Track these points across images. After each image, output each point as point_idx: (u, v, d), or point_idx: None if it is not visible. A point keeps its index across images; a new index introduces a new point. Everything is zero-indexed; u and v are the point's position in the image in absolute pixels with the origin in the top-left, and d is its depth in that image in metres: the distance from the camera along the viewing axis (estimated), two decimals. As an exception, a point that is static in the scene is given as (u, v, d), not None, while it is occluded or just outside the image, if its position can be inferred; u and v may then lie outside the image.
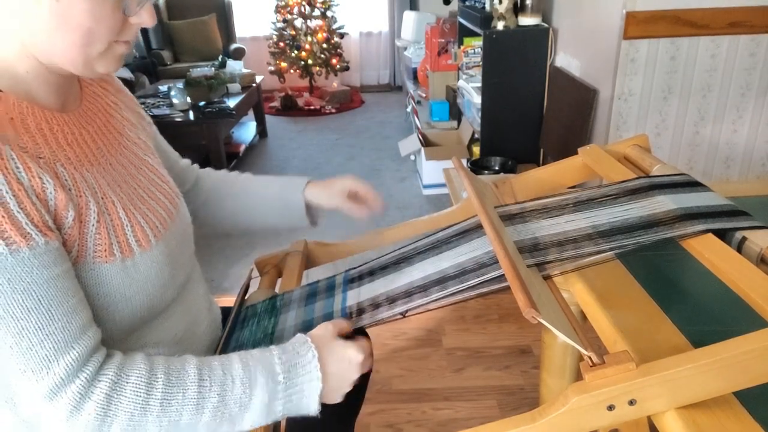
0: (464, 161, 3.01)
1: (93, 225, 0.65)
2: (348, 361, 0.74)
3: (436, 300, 0.76)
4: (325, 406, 1.09)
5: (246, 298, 0.99)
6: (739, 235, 0.73)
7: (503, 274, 0.71)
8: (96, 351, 0.63)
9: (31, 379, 0.58)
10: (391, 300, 0.81)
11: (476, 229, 0.86)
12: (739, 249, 0.72)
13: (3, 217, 0.56)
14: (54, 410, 0.59)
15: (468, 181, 0.94)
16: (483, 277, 0.74)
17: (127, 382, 0.62)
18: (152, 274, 0.71)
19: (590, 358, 0.59)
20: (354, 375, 0.74)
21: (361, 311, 0.82)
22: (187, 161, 1.04)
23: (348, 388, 0.75)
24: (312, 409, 0.71)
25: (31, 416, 0.61)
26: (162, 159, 0.92)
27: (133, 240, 0.69)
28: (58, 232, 0.62)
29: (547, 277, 0.74)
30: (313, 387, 0.70)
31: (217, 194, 1.02)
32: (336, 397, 0.74)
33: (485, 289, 0.74)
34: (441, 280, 0.78)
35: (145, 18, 0.67)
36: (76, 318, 0.61)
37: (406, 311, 0.78)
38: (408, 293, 0.80)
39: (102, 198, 0.68)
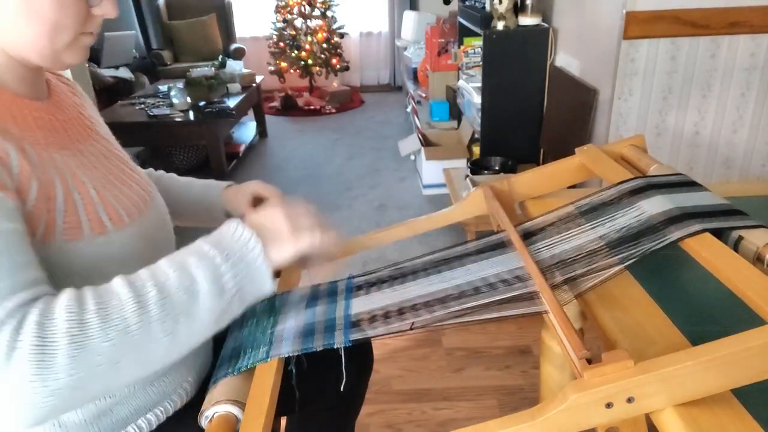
0: (464, 161, 3.01)
1: (60, 203, 0.67)
2: (270, 210, 0.69)
3: (453, 315, 0.74)
4: (325, 406, 1.10)
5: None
6: (735, 234, 0.73)
7: (529, 292, 0.74)
8: (39, 300, 0.58)
9: None
10: (402, 311, 0.79)
11: (498, 246, 0.88)
12: (736, 248, 0.73)
13: None
14: None
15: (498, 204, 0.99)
16: (508, 294, 0.74)
17: (56, 305, 0.56)
18: (129, 252, 0.73)
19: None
20: (281, 219, 0.68)
21: (370, 320, 0.79)
22: None
23: (289, 234, 0.68)
24: (264, 274, 0.66)
25: None
26: None
27: (105, 217, 0.71)
28: (21, 203, 0.62)
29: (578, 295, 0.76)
30: (251, 247, 0.65)
31: None
32: (286, 251, 0.68)
33: (505, 313, 0.73)
34: (460, 295, 0.78)
35: (108, 8, 0.69)
36: (25, 272, 0.59)
37: (413, 323, 0.76)
38: (425, 305, 0.78)
39: (71, 178, 0.69)
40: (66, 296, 0.57)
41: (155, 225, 0.82)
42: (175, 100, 3.55)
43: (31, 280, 0.59)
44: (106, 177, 0.76)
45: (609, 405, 0.58)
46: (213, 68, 4.11)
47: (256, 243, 0.65)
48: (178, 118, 3.44)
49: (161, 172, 1.08)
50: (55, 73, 0.83)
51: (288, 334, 0.81)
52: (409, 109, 4.45)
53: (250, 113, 4.44)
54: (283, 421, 1.20)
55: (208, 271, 0.63)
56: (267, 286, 0.67)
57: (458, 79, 3.27)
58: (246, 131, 4.41)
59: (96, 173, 0.75)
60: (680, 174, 0.90)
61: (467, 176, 2.54)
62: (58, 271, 0.66)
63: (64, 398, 0.55)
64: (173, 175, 1.07)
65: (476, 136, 3.00)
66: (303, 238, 0.68)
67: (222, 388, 0.74)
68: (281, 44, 5.38)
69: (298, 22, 5.33)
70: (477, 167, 2.64)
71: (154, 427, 0.79)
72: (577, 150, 1.07)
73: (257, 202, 1.01)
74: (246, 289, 0.66)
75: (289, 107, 5.25)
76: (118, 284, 0.60)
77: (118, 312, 0.58)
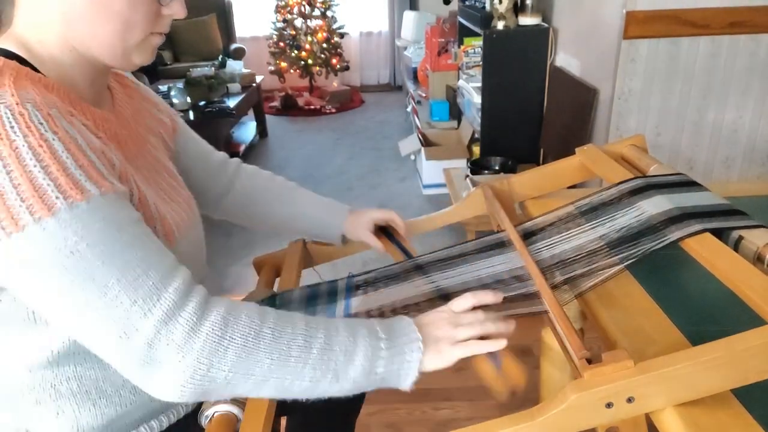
0: (464, 161, 3.01)
1: None
2: (441, 320, 0.70)
3: None
4: (325, 405, 1.10)
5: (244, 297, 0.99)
6: (735, 234, 0.73)
7: (530, 292, 0.74)
8: (195, 283, 0.63)
9: (143, 308, 0.58)
10: (402, 310, 0.79)
11: (498, 246, 0.88)
12: (736, 248, 0.73)
13: (91, 164, 0.60)
14: (170, 334, 0.58)
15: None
16: (508, 294, 0.75)
17: (241, 311, 0.62)
18: None
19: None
20: (448, 339, 0.69)
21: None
22: (222, 155, 1.07)
23: (448, 354, 0.69)
24: (410, 376, 0.67)
25: (137, 357, 0.58)
26: (195, 151, 0.99)
27: (161, 234, 0.71)
28: None
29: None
30: (414, 348, 0.67)
31: (261, 195, 1.05)
32: (438, 364, 0.69)
33: (505, 313, 0.75)
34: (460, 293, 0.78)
35: (177, 9, 0.70)
36: (168, 254, 0.63)
37: None
38: (425, 304, 0.78)
39: (137, 192, 0.70)
40: (249, 306, 0.64)
41: (196, 240, 0.83)
42: (175, 100, 3.55)
43: (175, 259, 0.64)
44: (159, 192, 0.76)
45: (609, 405, 0.58)
46: (213, 68, 4.11)
47: (419, 347, 0.67)
48: (178, 118, 3.44)
49: (282, 179, 1.08)
50: (118, 73, 0.83)
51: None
52: (409, 109, 4.45)
53: (250, 113, 4.43)
54: (283, 421, 1.19)
55: (370, 348, 0.65)
56: (405, 385, 0.68)
57: (458, 79, 3.27)
58: (246, 131, 4.40)
59: (153, 188, 0.75)
60: (680, 174, 0.90)
61: (467, 176, 2.54)
62: None
63: (211, 387, 0.60)
64: (295, 186, 1.08)
65: (476, 136, 3.00)
66: (455, 355, 0.70)
67: (222, 388, 0.74)
68: (281, 44, 5.38)
69: (298, 22, 5.33)
70: (477, 167, 2.64)
71: (165, 427, 0.79)
72: (577, 150, 1.07)
73: (378, 228, 1.08)
74: (388, 379, 0.67)
75: (289, 107, 5.25)
76: (297, 316, 0.65)
77: (288, 339, 0.62)
